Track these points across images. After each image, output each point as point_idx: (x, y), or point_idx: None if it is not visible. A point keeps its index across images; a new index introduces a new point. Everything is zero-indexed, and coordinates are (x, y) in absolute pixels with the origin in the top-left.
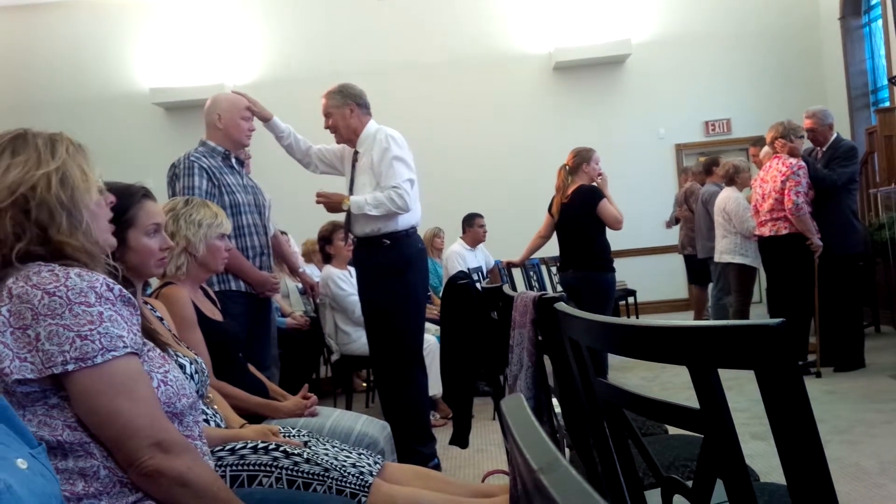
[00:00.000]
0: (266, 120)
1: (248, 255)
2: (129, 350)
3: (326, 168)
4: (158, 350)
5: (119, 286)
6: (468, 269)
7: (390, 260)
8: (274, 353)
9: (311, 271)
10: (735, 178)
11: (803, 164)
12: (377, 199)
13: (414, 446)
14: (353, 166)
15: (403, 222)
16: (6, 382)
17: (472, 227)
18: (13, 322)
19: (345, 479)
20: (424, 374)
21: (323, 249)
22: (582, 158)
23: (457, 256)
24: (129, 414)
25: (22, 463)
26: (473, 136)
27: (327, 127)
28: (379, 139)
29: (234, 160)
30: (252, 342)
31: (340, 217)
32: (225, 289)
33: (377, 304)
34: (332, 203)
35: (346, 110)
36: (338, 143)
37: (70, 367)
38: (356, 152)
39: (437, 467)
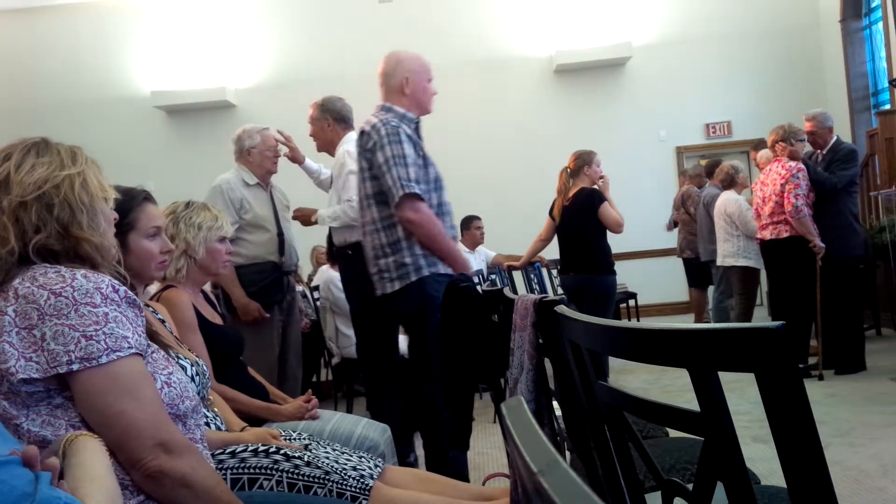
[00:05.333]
0: (300, 162)
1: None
2: (133, 351)
3: None
4: (162, 352)
5: (124, 288)
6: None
7: (354, 271)
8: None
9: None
10: (735, 179)
11: (802, 166)
12: (335, 211)
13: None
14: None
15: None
16: (11, 382)
17: (470, 230)
18: (19, 322)
19: (345, 483)
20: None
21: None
22: (583, 161)
23: None
24: (133, 414)
25: None
26: (474, 139)
27: (311, 135)
28: (338, 155)
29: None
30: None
31: None
32: None
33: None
34: (304, 216)
35: (324, 123)
36: (318, 150)
37: (75, 367)
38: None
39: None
